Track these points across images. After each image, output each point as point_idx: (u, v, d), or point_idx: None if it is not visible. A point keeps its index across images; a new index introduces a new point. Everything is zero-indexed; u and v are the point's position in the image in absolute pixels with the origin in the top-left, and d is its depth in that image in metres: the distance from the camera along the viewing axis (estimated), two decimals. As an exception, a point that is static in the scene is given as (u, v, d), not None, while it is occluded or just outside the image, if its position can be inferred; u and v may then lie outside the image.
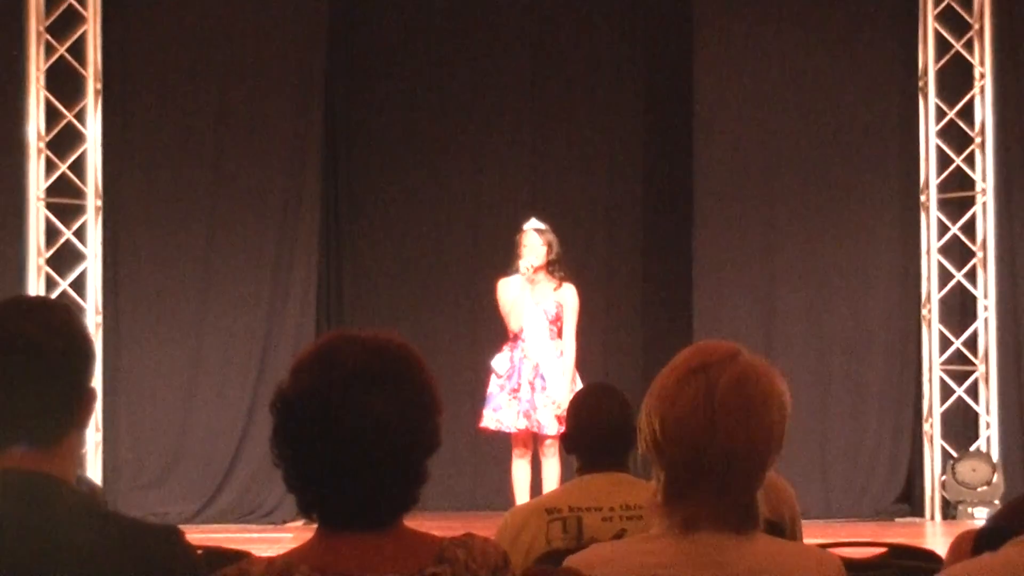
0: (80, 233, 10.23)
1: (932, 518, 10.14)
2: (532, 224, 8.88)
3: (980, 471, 9.92)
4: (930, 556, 3.83)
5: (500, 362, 8.79)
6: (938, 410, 10.26)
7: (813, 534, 5.76)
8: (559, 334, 8.75)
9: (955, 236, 10.38)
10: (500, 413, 8.70)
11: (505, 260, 8.96)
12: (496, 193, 10.93)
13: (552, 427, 8.53)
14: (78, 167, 10.25)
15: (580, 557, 2.42)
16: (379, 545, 2.21)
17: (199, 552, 2.34)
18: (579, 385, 8.48)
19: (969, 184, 10.40)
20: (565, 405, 8.28)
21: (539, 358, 8.70)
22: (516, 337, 8.76)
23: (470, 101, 11.03)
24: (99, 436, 10.07)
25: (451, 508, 9.60)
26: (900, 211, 10.45)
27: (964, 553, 2.28)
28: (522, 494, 8.54)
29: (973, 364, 10.31)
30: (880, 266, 10.41)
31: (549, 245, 8.80)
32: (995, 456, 10.03)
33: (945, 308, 10.36)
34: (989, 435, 10.17)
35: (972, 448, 10.12)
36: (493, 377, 8.79)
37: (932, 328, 10.33)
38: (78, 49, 10.24)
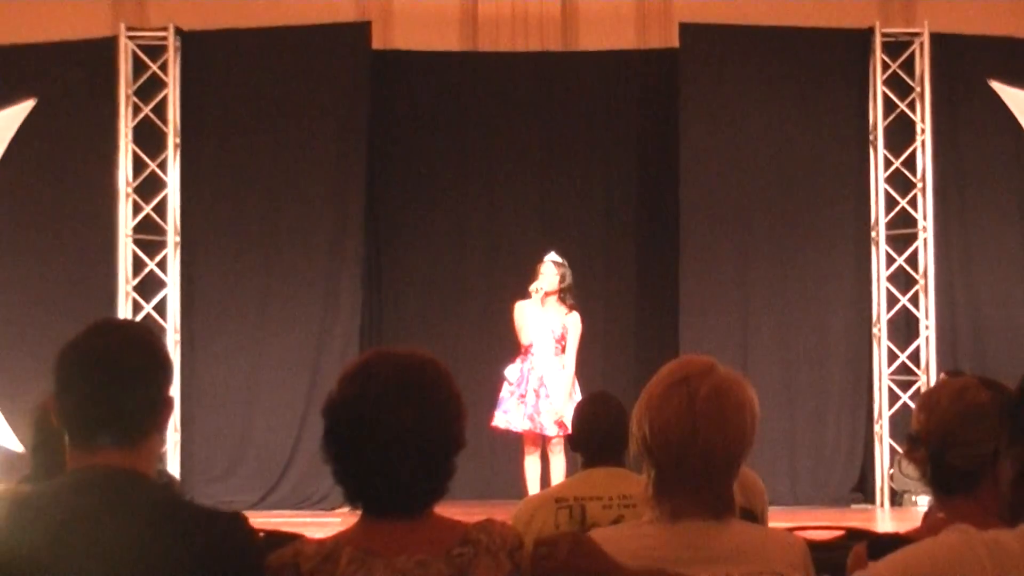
0: (162, 264, 10.26)
1: (882, 505, 10.10)
2: (551, 257, 8.91)
3: (923, 466, 9.87)
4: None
5: (512, 371, 8.79)
6: (887, 414, 10.22)
7: (781, 519, 5.74)
8: (563, 351, 8.75)
9: (901, 267, 10.36)
10: (509, 415, 8.70)
11: (517, 285, 8.98)
12: (510, 229, 10.91)
13: (552, 430, 8.56)
14: (160, 209, 10.29)
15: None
16: (413, 529, 2.21)
17: (260, 534, 2.33)
18: (578, 394, 8.46)
19: (912, 223, 10.39)
20: (563, 412, 8.33)
21: (544, 370, 8.69)
22: (527, 350, 8.76)
23: (487, 148, 10.98)
24: (177, 436, 10.08)
25: (472, 497, 9.56)
26: (854, 245, 10.44)
27: (863, 562, 2.26)
28: (533, 485, 8.52)
29: (916, 375, 10.28)
30: (838, 292, 10.40)
31: (562, 276, 8.81)
32: (935, 453, 9.96)
33: (892, 327, 10.34)
34: (930, 435, 10.10)
35: (916, 446, 10.07)
36: (505, 384, 8.79)
37: (881, 344, 10.30)
38: (160, 109, 10.30)
